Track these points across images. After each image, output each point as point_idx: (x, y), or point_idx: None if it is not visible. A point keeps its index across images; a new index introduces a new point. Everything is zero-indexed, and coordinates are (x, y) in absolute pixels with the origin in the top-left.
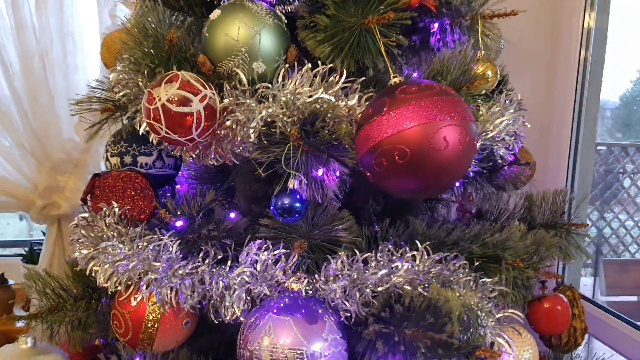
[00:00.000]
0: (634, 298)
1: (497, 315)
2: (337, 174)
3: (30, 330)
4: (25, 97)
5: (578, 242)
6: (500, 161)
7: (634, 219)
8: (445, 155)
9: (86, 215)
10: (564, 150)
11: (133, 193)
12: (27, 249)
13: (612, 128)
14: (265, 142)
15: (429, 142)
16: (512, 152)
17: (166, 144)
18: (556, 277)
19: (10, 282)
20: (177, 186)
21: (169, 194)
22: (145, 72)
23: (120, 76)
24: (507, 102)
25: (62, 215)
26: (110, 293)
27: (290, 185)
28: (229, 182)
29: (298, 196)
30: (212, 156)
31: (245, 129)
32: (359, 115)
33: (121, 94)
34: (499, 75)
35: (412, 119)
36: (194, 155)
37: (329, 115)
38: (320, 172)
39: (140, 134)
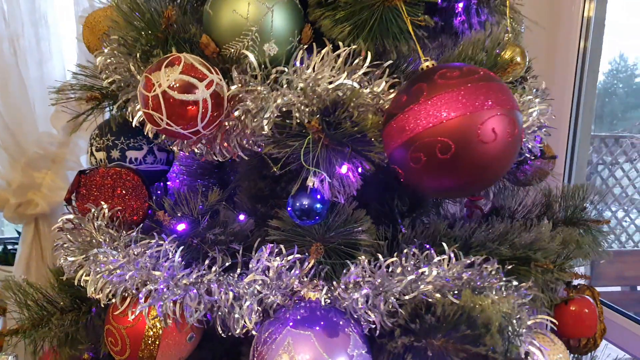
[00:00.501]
0: (618, 288)
1: (529, 322)
2: (360, 170)
3: (10, 348)
4: None
5: (598, 239)
6: (527, 155)
7: (611, 209)
8: (493, 149)
9: (71, 217)
10: (562, 141)
11: (124, 192)
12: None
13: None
14: (278, 135)
15: (476, 134)
16: (541, 145)
17: (164, 137)
18: (587, 279)
19: None
20: (168, 183)
21: (159, 192)
22: (138, 55)
23: (109, 60)
24: (535, 91)
25: (40, 215)
26: (102, 305)
27: (310, 184)
28: (235, 180)
29: (319, 196)
30: (218, 151)
31: (257, 120)
32: (389, 104)
33: (109, 80)
34: (527, 61)
35: (456, 107)
36: (196, 150)
37: (352, 104)
38: (344, 168)
39: (134, 125)
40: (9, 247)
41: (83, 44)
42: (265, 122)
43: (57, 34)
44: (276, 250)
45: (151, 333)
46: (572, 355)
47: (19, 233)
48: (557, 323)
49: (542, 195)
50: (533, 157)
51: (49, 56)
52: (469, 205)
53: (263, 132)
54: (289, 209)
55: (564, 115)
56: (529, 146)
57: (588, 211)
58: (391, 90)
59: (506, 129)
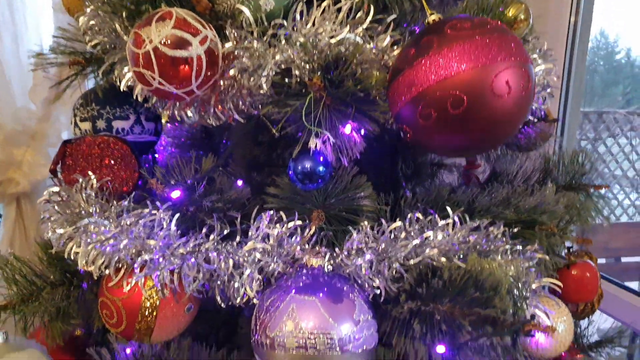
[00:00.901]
0: (603, 260)
1: (534, 286)
2: (362, 132)
3: (1, 324)
4: None
5: (596, 204)
6: (530, 117)
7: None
8: (506, 103)
9: (57, 189)
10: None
11: (112, 162)
12: None
13: None
14: (277, 95)
15: (489, 87)
16: (544, 107)
17: (155, 100)
18: (589, 243)
19: None
20: (156, 155)
21: (148, 164)
22: (124, 14)
23: (92, 21)
24: (538, 51)
25: (21, 194)
26: (95, 278)
27: (312, 146)
28: (229, 148)
29: (321, 159)
30: (212, 114)
31: (254, 79)
32: (394, 60)
33: (93, 43)
34: (531, 20)
35: (467, 59)
36: (189, 114)
37: (355, 60)
38: (347, 128)
39: (122, 89)
40: None
41: (60, 15)
42: (264, 80)
43: (32, 5)
44: (276, 217)
45: (148, 304)
46: None
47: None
48: (562, 286)
49: (541, 161)
50: (536, 120)
51: (24, 29)
52: (466, 174)
53: (261, 92)
54: (290, 172)
55: (554, 92)
56: (533, 107)
57: (588, 176)
58: (395, 47)
59: (520, 82)
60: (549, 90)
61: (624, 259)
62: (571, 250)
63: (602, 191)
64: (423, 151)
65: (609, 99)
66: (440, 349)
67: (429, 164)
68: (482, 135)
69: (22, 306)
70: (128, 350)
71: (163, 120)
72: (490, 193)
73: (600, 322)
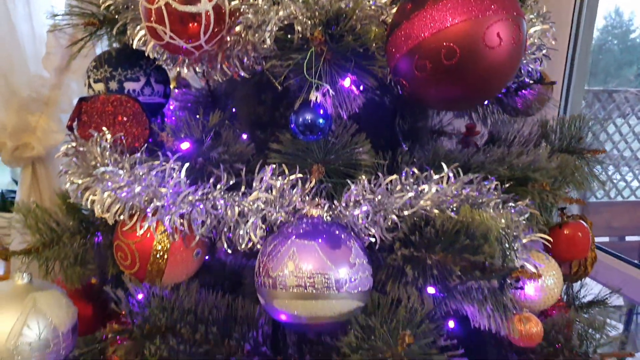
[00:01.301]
0: (606, 239)
1: (524, 240)
2: (362, 87)
3: (24, 267)
4: None
5: (594, 169)
6: (526, 79)
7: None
8: (497, 54)
9: (74, 143)
10: (555, 96)
11: (125, 119)
12: None
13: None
14: (280, 50)
15: (481, 39)
16: (540, 69)
17: (165, 57)
18: (582, 204)
19: None
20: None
21: (158, 121)
22: None
23: None
24: (536, 13)
25: (36, 158)
26: (109, 225)
27: (313, 98)
28: (233, 105)
29: (321, 111)
30: (219, 69)
31: (258, 34)
32: (394, 14)
33: (107, 3)
34: None
35: (461, 12)
36: (197, 69)
37: (355, 16)
38: (347, 82)
39: (134, 46)
40: (6, 196)
41: None
42: (267, 35)
43: None
44: (278, 170)
45: (159, 247)
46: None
47: (15, 182)
48: (551, 241)
49: (538, 126)
50: (532, 82)
51: None
52: (465, 140)
53: (265, 47)
54: (292, 125)
55: (558, 70)
56: (529, 68)
57: (584, 141)
58: (393, 5)
59: (511, 35)
60: (544, 51)
61: (628, 238)
62: (565, 210)
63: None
64: (421, 108)
65: (620, 79)
66: (431, 290)
67: (429, 130)
68: (475, 86)
69: (43, 251)
70: (140, 296)
71: (172, 86)
72: (485, 152)
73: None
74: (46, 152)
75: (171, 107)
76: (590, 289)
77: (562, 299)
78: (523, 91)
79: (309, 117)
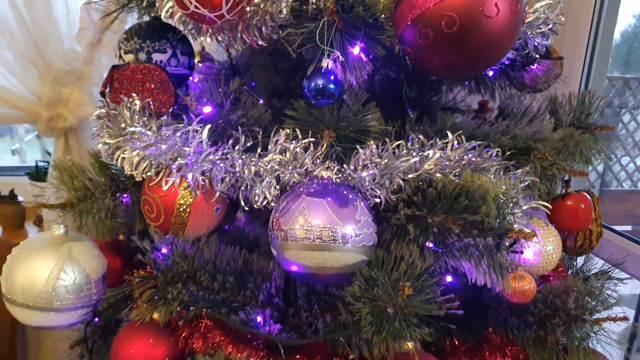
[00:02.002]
0: (629, 227)
1: (524, 207)
2: (370, 56)
3: (61, 219)
4: (22, 3)
5: (602, 144)
6: (533, 53)
7: (630, 155)
8: (495, 24)
9: (107, 108)
10: (575, 84)
11: (153, 86)
12: (32, 164)
13: (610, 66)
14: (294, 19)
15: (479, 9)
16: (547, 44)
17: (191, 26)
18: (583, 175)
19: (20, 199)
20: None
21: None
22: None
23: None
24: None
25: (68, 129)
26: (137, 183)
27: (325, 65)
28: (251, 74)
29: (332, 77)
30: (239, 38)
31: (276, 5)
32: None
33: None
34: None
35: None
36: (219, 39)
37: None
38: (356, 49)
39: (162, 17)
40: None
41: None
42: (283, 5)
43: None
44: (292, 135)
45: (182, 202)
46: (567, 256)
47: (49, 153)
48: (551, 208)
49: (547, 102)
50: (538, 56)
51: None
52: (477, 117)
53: (281, 16)
54: (305, 90)
55: (578, 58)
56: (535, 43)
57: (593, 117)
58: None
59: (509, 5)
60: (550, 26)
61: None
62: (569, 183)
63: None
64: (428, 77)
65: None
66: (429, 245)
67: (442, 107)
68: (474, 54)
69: (77, 205)
70: (164, 250)
71: (196, 60)
72: (491, 125)
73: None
74: (78, 123)
75: (195, 80)
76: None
77: (564, 269)
78: (531, 66)
79: (320, 82)
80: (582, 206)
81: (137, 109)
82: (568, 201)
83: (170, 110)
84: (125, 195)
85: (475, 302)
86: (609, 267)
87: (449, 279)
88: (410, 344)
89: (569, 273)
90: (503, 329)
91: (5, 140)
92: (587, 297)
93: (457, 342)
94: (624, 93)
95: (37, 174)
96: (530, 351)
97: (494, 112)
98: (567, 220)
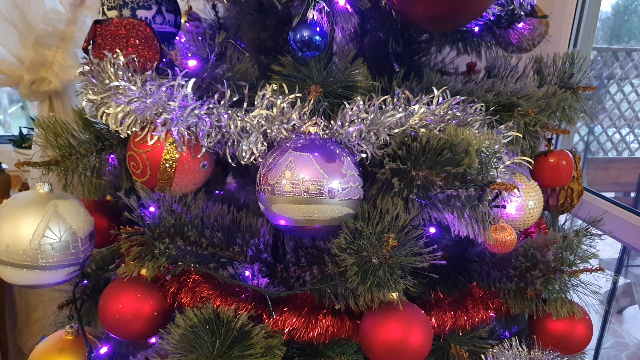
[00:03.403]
0: (612, 194)
1: (507, 162)
2: (357, 8)
3: (45, 178)
4: None
5: (584, 105)
6: (518, 11)
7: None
8: None
9: (90, 64)
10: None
11: (137, 42)
12: (17, 134)
13: (600, 39)
14: None
15: None
16: (532, 2)
17: None
18: (565, 133)
19: (4, 166)
20: None
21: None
22: None
23: None
24: None
25: (53, 92)
26: (122, 141)
27: (310, 16)
28: (235, 27)
29: (318, 28)
30: None
31: None
32: None
33: None
34: None
35: None
36: None
37: None
38: (342, 1)
39: None
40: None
41: None
42: None
43: None
44: (280, 90)
45: (168, 157)
46: (550, 216)
47: (33, 119)
48: (533, 163)
49: (533, 62)
50: (523, 13)
51: None
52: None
53: None
54: (290, 42)
55: (565, 30)
56: (521, 1)
57: (576, 77)
58: None
59: None
60: None
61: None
62: (552, 141)
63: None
64: (413, 31)
65: None
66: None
67: (430, 69)
68: (456, 3)
69: (63, 163)
70: (152, 209)
71: (182, 20)
72: (477, 83)
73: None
74: (63, 86)
75: (182, 40)
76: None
77: (546, 226)
78: (517, 24)
79: (306, 33)
80: (564, 163)
81: (121, 64)
82: (550, 158)
83: (155, 66)
84: (111, 154)
85: (459, 257)
86: (588, 226)
87: (432, 230)
88: (394, 294)
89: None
90: (486, 283)
91: None
92: (565, 251)
93: (441, 295)
94: (611, 64)
95: (22, 140)
96: (511, 303)
97: (481, 74)
98: (549, 177)
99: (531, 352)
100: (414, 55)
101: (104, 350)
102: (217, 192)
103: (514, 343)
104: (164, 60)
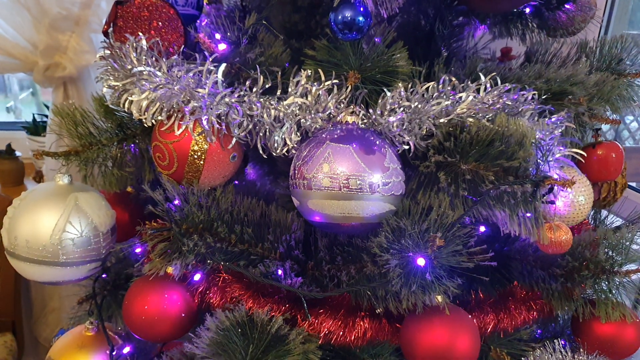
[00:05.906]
0: (633, 184)
1: (557, 155)
2: None
3: (65, 169)
4: None
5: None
6: None
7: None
8: None
9: (111, 49)
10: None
11: (160, 24)
12: (28, 120)
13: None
14: None
15: None
16: None
17: None
18: (617, 123)
19: (18, 154)
20: None
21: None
22: None
23: None
24: None
25: (68, 78)
26: (146, 130)
27: None
28: (267, 10)
29: (362, 9)
30: None
31: None
32: None
33: None
34: None
35: None
36: None
37: None
38: None
39: None
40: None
41: None
42: None
43: None
44: (314, 76)
45: (197, 148)
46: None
47: (47, 107)
48: (585, 156)
49: (577, 47)
50: None
51: None
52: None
53: None
54: (331, 23)
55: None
56: None
57: (624, 63)
58: None
59: None
60: None
61: None
62: (599, 132)
63: None
64: (459, 14)
65: None
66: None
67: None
68: None
69: (83, 153)
70: (177, 202)
71: (205, 1)
72: (523, 68)
73: None
74: (78, 72)
75: (203, 24)
76: None
77: (588, 222)
78: (566, 5)
79: (348, 14)
80: (614, 155)
81: (144, 48)
82: (599, 150)
83: (180, 50)
84: (133, 143)
85: (499, 254)
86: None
87: (482, 229)
88: (440, 297)
89: (593, 225)
90: (528, 282)
91: None
92: (616, 249)
93: (482, 296)
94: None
95: (35, 128)
96: (556, 304)
97: (520, 59)
98: (597, 170)
99: (576, 356)
100: (451, 38)
101: (126, 350)
102: (236, 181)
103: (557, 346)
104: (190, 41)
